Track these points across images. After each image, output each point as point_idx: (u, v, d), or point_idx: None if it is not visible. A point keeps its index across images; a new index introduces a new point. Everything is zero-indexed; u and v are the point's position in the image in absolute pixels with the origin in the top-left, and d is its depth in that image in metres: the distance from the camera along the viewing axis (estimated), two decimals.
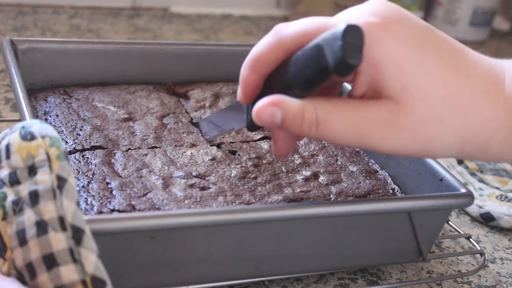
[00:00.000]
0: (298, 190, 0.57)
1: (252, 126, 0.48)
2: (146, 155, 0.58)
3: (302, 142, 0.65)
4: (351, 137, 0.41)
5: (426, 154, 0.43)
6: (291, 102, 0.41)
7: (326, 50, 0.39)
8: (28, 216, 0.39)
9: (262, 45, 0.44)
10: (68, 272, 0.38)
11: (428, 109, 0.41)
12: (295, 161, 0.62)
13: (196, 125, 0.65)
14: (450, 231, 0.65)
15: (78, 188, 0.52)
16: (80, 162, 0.56)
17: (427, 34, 0.43)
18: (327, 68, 0.39)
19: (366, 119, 0.41)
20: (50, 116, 0.63)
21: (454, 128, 0.42)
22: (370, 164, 0.64)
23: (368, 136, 0.41)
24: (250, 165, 0.59)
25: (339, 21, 0.42)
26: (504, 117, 0.43)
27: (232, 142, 0.63)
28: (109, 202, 0.51)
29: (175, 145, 0.61)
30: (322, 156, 0.63)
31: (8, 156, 0.41)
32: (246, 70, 0.45)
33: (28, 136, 0.41)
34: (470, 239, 0.63)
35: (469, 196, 0.54)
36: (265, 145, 0.64)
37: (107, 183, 0.53)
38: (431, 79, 0.41)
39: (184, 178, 0.55)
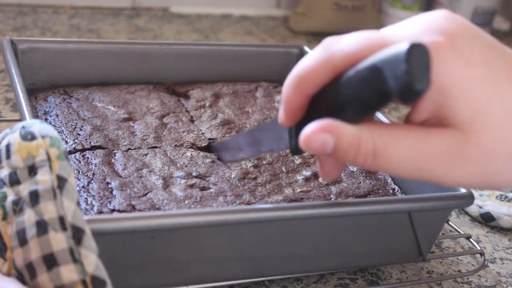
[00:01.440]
0: (298, 190, 0.57)
1: (297, 150, 0.43)
2: (146, 155, 0.58)
3: None
4: (411, 170, 0.37)
5: (489, 186, 0.39)
6: (345, 130, 0.36)
7: (387, 73, 0.34)
8: (28, 216, 0.39)
9: (309, 62, 0.39)
10: (68, 272, 0.38)
11: (499, 140, 0.36)
12: (295, 161, 0.62)
13: (211, 149, 0.62)
14: (450, 231, 0.65)
15: (78, 188, 0.52)
16: (80, 162, 0.56)
17: (498, 53, 0.38)
18: (389, 93, 0.34)
19: (429, 150, 0.36)
20: (50, 116, 0.63)
21: None
22: None
23: (430, 169, 0.37)
24: (250, 166, 0.59)
25: (398, 38, 0.37)
26: None
27: None
28: (109, 202, 0.51)
29: (175, 145, 0.61)
30: None
31: (8, 156, 0.41)
32: (290, 89, 0.40)
33: (29, 136, 0.41)
34: (470, 239, 0.63)
35: (469, 196, 0.54)
36: None
37: (107, 183, 0.53)
38: (504, 107, 0.36)
39: (184, 178, 0.55)
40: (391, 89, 0.34)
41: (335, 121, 0.37)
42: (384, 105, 0.36)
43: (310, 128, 0.37)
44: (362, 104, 0.36)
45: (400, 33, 0.38)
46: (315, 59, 0.39)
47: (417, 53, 0.34)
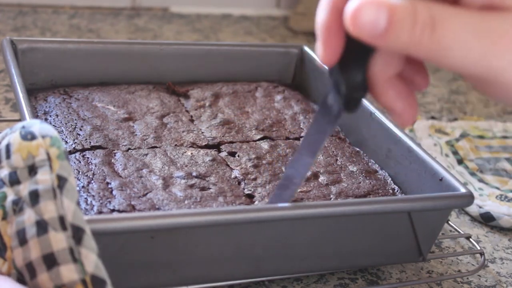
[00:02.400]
0: (298, 190, 0.57)
1: (350, 101, 0.37)
2: (146, 155, 0.58)
3: None
4: (473, 47, 0.31)
5: None
6: (398, 2, 0.31)
7: None
8: (28, 216, 0.39)
9: None
10: (68, 272, 0.38)
11: None
12: None
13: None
14: (450, 231, 0.65)
15: (78, 188, 0.52)
16: (80, 162, 0.56)
17: None
18: None
19: (492, 28, 0.31)
20: (50, 116, 0.63)
21: None
22: (370, 164, 0.64)
23: (496, 52, 0.31)
24: (250, 166, 0.59)
25: None
26: None
27: (232, 142, 0.63)
28: (109, 202, 0.51)
29: (175, 145, 0.61)
30: (322, 156, 0.63)
31: (8, 156, 0.41)
32: (325, 12, 0.34)
33: (29, 136, 0.41)
34: (470, 239, 0.63)
35: (469, 196, 0.54)
36: (265, 145, 0.64)
37: (107, 183, 0.53)
38: None
39: (184, 178, 0.55)
40: None
41: None
42: None
43: (356, 2, 0.31)
44: None
45: None
46: None
47: None
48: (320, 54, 0.36)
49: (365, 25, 0.31)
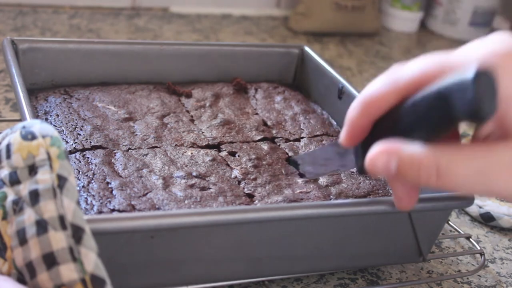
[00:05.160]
0: (298, 191, 0.57)
1: (363, 170, 0.44)
2: (146, 155, 0.58)
3: (302, 143, 0.65)
4: (476, 186, 0.37)
5: None
6: (408, 150, 0.37)
7: (454, 99, 0.35)
8: (28, 216, 0.39)
9: (376, 87, 0.41)
10: (68, 271, 0.38)
11: None
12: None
13: (291, 162, 0.61)
14: (450, 231, 0.65)
15: (78, 188, 0.52)
16: (80, 162, 0.56)
17: None
18: (456, 118, 0.35)
19: (493, 164, 0.36)
20: (51, 116, 0.63)
21: None
22: None
23: (495, 183, 0.37)
24: (250, 166, 0.59)
25: (462, 61, 0.37)
26: None
27: (232, 142, 0.63)
28: (109, 202, 0.51)
29: (176, 145, 0.61)
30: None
31: (8, 156, 0.41)
32: (356, 112, 0.42)
33: (29, 136, 0.41)
34: (470, 239, 0.63)
35: (469, 196, 0.54)
36: (265, 146, 0.64)
37: (107, 183, 0.53)
38: None
39: (184, 178, 0.55)
40: (458, 115, 0.35)
41: (397, 142, 0.38)
42: (450, 129, 0.37)
43: (373, 151, 0.39)
44: (428, 128, 0.37)
45: (465, 55, 0.38)
46: (381, 84, 0.40)
47: (484, 79, 0.34)
48: (343, 138, 0.43)
49: (380, 169, 0.38)
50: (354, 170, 0.46)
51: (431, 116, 0.37)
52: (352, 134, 0.43)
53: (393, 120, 0.40)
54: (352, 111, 0.42)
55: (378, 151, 0.39)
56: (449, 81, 0.36)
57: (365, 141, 0.43)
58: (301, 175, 0.59)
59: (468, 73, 0.34)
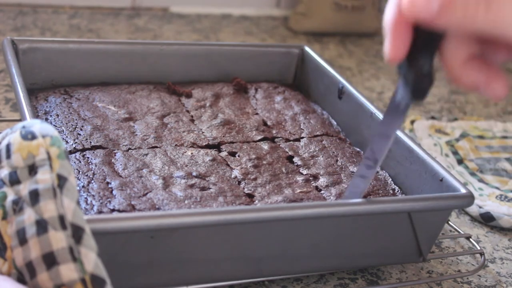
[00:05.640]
0: (298, 190, 0.57)
1: (419, 89, 0.39)
2: (146, 155, 0.58)
3: (302, 143, 0.66)
4: None
5: None
6: None
7: None
8: (28, 215, 0.39)
9: None
10: (67, 271, 0.38)
11: None
12: (295, 162, 0.62)
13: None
14: (450, 231, 0.65)
15: (78, 188, 0.52)
16: (80, 161, 0.56)
17: None
18: None
19: None
20: (51, 115, 0.63)
21: None
22: None
23: None
24: (250, 166, 0.59)
25: None
26: None
27: (232, 142, 0.63)
28: (109, 202, 0.51)
29: (176, 145, 0.61)
30: (322, 157, 0.63)
31: (8, 156, 0.41)
32: (393, 11, 0.36)
33: (29, 136, 0.41)
34: (470, 239, 0.63)
35: (469, 196, 0.54)
36: (265, 146, 0.64)
37: (107, 183, 0.53)
38: None
39: (184, 178, 0.55)
40: None
41: None
42: None
43: None
44: None
45: None
46: None
47: None
48: (389, 50, 0.37)
49: (420, 7, 0.33)
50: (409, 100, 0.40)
51: None
52: (397, 39, 0.37)
53: None
54: (388, 11, 0.36)
55: None
56: None
57: (409, 56, 0.38)
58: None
59: None
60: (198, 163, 0.58)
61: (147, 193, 0.53)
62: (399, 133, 0.63)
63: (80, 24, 1.07)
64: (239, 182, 0.57)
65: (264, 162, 0.61)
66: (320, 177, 0.60)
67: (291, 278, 0.55)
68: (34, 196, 0.39)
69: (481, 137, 0.84)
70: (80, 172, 0.54)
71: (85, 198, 0.51)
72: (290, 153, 0.63)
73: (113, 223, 0.44)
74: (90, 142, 0.59)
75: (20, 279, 0.39)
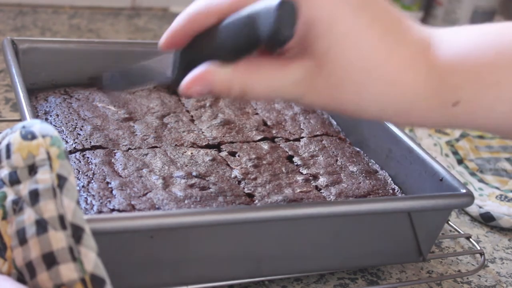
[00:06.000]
0: (298, 190, 0.57)
1: (177, 82, 0.46)
2: (146, 155, 0.58)
3: (302, 143, 0.66)
4: (271, 97, 0.43)
5: (340, 112, 0.44)
6: (218, 76, 0.42)
7: (259, 23, 0.39)
8: (28, 215, 0.39)
9: (200, 5, 0.44)
10: (67, 271, 0.38)
11: (348, 75, 0.41)
12: (295, 162, 0.62)
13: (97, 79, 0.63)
14: (450, 231, 0.65)
15: (78, 188, 0.52)
16: (80, 161, 0.56)
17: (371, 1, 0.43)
18: (259, 40, 0.39)
19: (286, 81, 0.42)
20: (51, 115, 0.63)
21: (373, 98, 0.42)
22: (370, 164, 0.64)
23: (287, 95, 0.43)
24: (250, 166, 0.59)
25: None
26: (426, 85, 0.42)
27: (232, 142, 0.63)
28: (109, 201, 0.51)
29: (176, 145, 0.61)
30: (322, 156, 0.63)
31: (8, 156, 0.41)
32: (179, 24, 0.45)
33: (29, 136, 0.41)
34: (470, 239, 0.63)
35: (469, 196, 0.54)
36: (265, 145, 0.64)
37: (107, 183, 0.53)
38: (359, 46, 0.41)
39: (184, 178, 0.55)
40: (261, 36, 0.39)
41: (210, 68, 0.42)
42: (254, 50, 0.41)
43: (189, 78, 0.42)
44: (236, 47, 0.41)
45: None
46: (206, 3, 0.44)
47: (286, 7, 0.38)
48: (161, 41, 0.45)
49: (197, 93, 0.42)
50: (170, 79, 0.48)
51: (239, 37, 0.41)
52: (172, 40, 0.45)
53: (209, 39, 0.44)
54: (177, 20, 0.45)
55: (193, 79, 0.42)
56: (258, 6, 0.40)
57: (183, 53, 0.45)
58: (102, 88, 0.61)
59: (274, 1, 0.38)
60: (198, 163, 0.58)
61: (147, 193, 0.53)
62: (399, 132, 0.63)
63: (80, 24, 1.07)
64: (239, 182, 0.57)
65: (264, 162, 0.61)
66: (320, 176, 0.60)
67: (291, 278, 0.55)
68: (34, 196, 0.39)
69: (481, 137, 0.84)
70: (80, 172, 0.54)
71: (85, 198, 0.51)
72: (290, 153, 0.63)
73: (113, 223, 0.44)
74: (90, 142, 0.59)
75: (20, 279, 0.39)
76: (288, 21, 0.39)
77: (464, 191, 0.54)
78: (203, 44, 0.44)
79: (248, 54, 0.41)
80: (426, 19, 1.35)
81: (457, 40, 0.44)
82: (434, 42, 0.44)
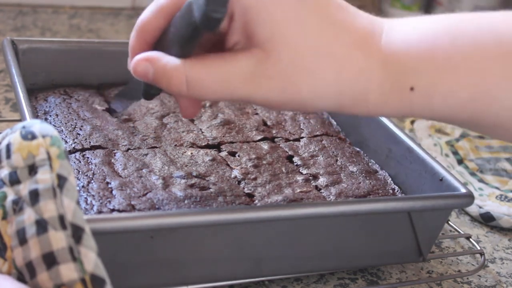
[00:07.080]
0: (298, 190, 0.57)
1: (147, 94, 0.48)
2: (146, 155, 0.58)
3: (302, 143, 0.66)
4: (222, 93, 0.42)
5: (297, 105, 0.43)
6: (162, 61, 0.42)
7: (194, 6, 0.40)
8: (28, 215, 0.39)
9: (145, 14, 0.45)
10: (67, 271, 0.38)
11: (296, 58, 0.41)
12: (295, 162, 0.62)
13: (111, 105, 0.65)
14: (450, 231, 0.65)
15: (78, 188, 0.52)
16: (80, 161, 0.56)
17: None
18: (195, 23, 0.40)
19: (235, 73, 0.41)
20: (50, 115, 0.63)
21: (326, 79, 0.41)
22: (370, 164, 0.64)
23: (238, 90, 0.41)
24: (250, 166, 0.59)
25: None
26: (379, 69, 0.42)
27: (232, 142, 0.63)
28: (109, 201, 0.51)
29: (175, 145, 0.61)
30: (322, 156, 0.63)
31: (8, 156, 0.41)
32: (133, 39, 0.45)
33: (29, 136, 0.41)
34: (470, 239, 0.63)
35: (469, 196, 0.54)
36: (265, 145, 0.64)
37: (107, 183, 0.53)
38: (303, 29, 0.41)
39: (184, 178, 0.55)
40: (195, 19, 0.39)
41: (159, 53, 0.42)
42: (197, 37, 0.41)
43: (138, 57, 0.43)
44: (180, 38, 0.41)
45: None
46: (149, 9, 0.45)
47: None
48: (128, 64, 0.45)
49: (139, 74, 0.42)
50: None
51: (182, 26, 0.41)
52: (135, 51, 0.45)
53: (163, 39, 0.44)
54: (131, 38, 0.45)
55: (139, 58, 0.42)
56: None
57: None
58: (111, 112, 0.63)
59: None
60: (198, 163, 0.58)
61: (147, 193, 0.53)
62: (399, 132, 0.63)
63: (80, 24, 1.07)
64: (239, 182, 0.57)
65: (264, 162, 0.61)
66: (320, 176, 0.60)
67: (291, 278, 0.55)
68: (34, 196, 0.39)
69: (481, 137, 0.84)
70: (80, 172, 0.54)
71: (85, 198, 0.51)
72: (290, 153, 0.63)
73: (113, 223, 0.44)
74: (90, 142, 0.59)
75: (20, 279, 0.39)
76: (218, 3, 0.39)
77: (464, 191, 0.54)
78: (160, 46, 0.45)
79: (194, 44, 0.41)
80: None
81: (411, 27, 0.44)
82: (385, 28, 0.44)
